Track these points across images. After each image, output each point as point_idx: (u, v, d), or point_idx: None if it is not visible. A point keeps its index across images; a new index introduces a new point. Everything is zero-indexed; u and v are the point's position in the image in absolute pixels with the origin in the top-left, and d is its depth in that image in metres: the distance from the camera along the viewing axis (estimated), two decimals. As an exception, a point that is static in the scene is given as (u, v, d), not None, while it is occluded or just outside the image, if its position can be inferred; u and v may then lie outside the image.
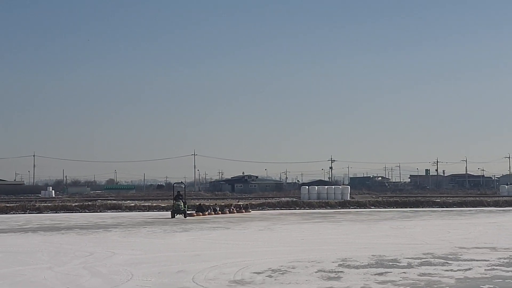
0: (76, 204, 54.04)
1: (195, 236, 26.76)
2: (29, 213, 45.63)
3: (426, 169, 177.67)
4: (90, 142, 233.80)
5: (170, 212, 42.05)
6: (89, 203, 56.98)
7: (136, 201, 63.10)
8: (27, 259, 19.02)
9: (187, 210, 42.02)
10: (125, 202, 60.26)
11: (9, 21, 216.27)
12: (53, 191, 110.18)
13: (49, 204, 56.60)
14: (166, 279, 14.75)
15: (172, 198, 44.88)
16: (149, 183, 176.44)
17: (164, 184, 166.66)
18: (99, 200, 64.74)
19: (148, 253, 20.17)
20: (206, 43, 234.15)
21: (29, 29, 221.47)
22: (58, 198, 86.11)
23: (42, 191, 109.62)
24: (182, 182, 53.26)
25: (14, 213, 48.50)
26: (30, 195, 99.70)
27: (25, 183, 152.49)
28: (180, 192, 43.32)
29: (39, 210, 48.73)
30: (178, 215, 40.76)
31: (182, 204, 41.19)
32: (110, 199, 69.95)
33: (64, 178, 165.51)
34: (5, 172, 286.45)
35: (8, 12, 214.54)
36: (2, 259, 19.08)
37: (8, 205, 54.34)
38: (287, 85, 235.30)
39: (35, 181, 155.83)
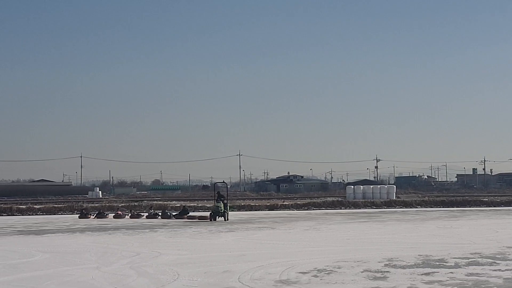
0: (123, 204, 54.49)
1: (241, 236, 26.82)
2: (76, 214, 46.16)
3: (473, 168, 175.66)
4: (136, 143, 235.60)
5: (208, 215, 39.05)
6: (135, 203, 57.51)
7: (182, 202, 63.35)
8: (74, 259, 19.25)
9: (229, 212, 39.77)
10: (171, 202, 60.59)
11: (42, 21, 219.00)
12: (100, 191, 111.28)
13: (96, 204, 57.21)
14: (212, 279, 14.80)
15: (214, 199, 41.91)
16: (194, 184, 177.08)
17: (209, 185, 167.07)
18: (145, 201, 65.23)
19: (194, 253, 20.27)
20: (254, 43, 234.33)
21: (62, 28, 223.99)
22: (105, 198, 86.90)
23: (89, 192, 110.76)
24: (224, 182, 49.93)
25: (62, 214, 49.26)
26: (77, 195, 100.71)
27: (72, 184, 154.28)
28: (221, 193, 40.78)
29: (86, 211, 49.25)
30: (219, 218, 37.88)
31: (223, 205, 38.42)
32: (156, 200, 70.41)
33: (111, 179, 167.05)
34: (53, 173, 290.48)
35: (46, 10, 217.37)
36: (50, 259, 19.34)
37: (56, 205, 55.02)
38: (332, 85, 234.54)
39: (82, 182, 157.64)
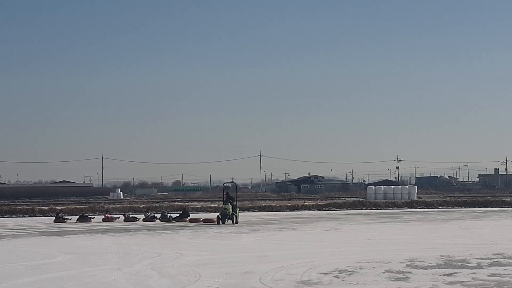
0: (144, 205, 54.65)
1: (262, 237, 26.82)
2: (98, 215, 46.29)
3: (495, 168, 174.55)
4: (157, 144, 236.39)
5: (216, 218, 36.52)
6: (156, 204, 57.67)
7: (203, 202, 63.53)
8: (96, 260, 19.33)
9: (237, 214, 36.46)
10: (192, 203, 60.76)
11: (61, 23, 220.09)
12: (121, 193, 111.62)
13: (118, 205, 57.51)
14: (233, 280, 14.81)
15: (222, 200, 39.09)
16: (215, 184, 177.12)
17: (230, 186, 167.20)
18: (166, 202, 65.40)
19: (215, 254, 20.30)
20: (273, 44, 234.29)
21: (81, 30, 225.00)
22: (126, 199, 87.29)
23: (110, 193, 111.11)
24: (232, 182, 46.57)
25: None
26: (99, 197, 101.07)
27: (94, 185, 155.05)
28: (230, 194, 38.43)
29: (106, 210, 49.47)
30: (228, 220, 35.61)
31: (231, 208, 35.85)
32: (177, 201, 70.62)
33: (132, 180, 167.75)
34: (75, 174, 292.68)
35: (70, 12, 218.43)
36: (72, 260, 19.44)
37: (77, 206, 55.32)
38: (353, 86, 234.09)
39: (103, 183, 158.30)
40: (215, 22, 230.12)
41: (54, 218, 40.89)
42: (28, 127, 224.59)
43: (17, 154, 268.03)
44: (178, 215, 40.42)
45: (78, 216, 41.43)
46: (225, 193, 38.44)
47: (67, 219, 40.22)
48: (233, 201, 36.71)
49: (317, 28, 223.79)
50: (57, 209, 52.03)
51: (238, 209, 37.47)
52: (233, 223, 35.20)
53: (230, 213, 35.66)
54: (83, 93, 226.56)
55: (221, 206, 38.38)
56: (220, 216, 35.96)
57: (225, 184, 46.56)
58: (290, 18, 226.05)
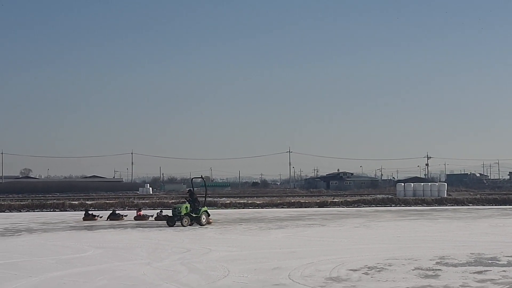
0: (173, 201, 54.80)
1: (291, 233, 26.81)
2: (128, 210, 46.46)
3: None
4: (186, 140, 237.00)
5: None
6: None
7: (232, 198, 63.55)
8: (126, 254, 19.47)
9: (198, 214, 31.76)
10: (221, 199, 60.84)
11: (90, 20, 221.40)
12: (150, 188, 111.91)
13: (147, 201, 57.74)
14: (262, 275, 14.84)
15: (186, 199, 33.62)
16: (244, 181, 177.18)
17: (259, 182, 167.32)
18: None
19: (244, 250, 20.34)
20: (304, 44, 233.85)
21: (108, 27, 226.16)
22: (155, 195, 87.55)
23: (140, 188, 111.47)
24: (201, 177, 39.38)
25: (113, 209, 49.71)
26: (128, 192, 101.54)
27: (123, 180, 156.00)
28: (193, 190, 33.92)
29: (138, 207, 49.74)
30: (185, 222, 31.12)
31: (185, 208, 31.41)
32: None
33: (161, 176, 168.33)
34: (105, 170, 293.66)
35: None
36: (102, 254, 19.59)
37: (107, 201, 55.64)
38: (382, 84, 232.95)
39: (133, 178, 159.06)
40: (252, 20, 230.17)
41: (83, 215, 38.32)
42: (59, 123, 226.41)
43: (48, 149, 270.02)
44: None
45: (109, 213, 38.71)
46: (187, 190, 35.37)
47: (97, 216, 37.83)
48: (194, 201, 32.40)
49: (350, 26, 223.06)
50: (87, 203, 52.38)
51: (206, 208, 32.91)
52: (182, 225, 30.91)
53: (182, 214, 31.27)
54: (114, 88, 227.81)
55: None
56: (170, 217, 32.17)
57: (193, 179, 38.69)
58: (326, 16, 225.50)
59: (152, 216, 37.22)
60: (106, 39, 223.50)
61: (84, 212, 39.31)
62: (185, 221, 31.10)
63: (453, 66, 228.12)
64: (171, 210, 33.17)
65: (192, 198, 32.51)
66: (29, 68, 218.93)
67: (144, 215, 37.69)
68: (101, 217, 37.75)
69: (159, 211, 39.45)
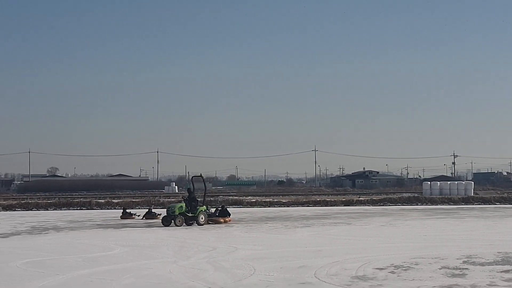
0: (198, 200, 54.88)
1: (316, 231, 26.78)
2: (153, 208, 46.63)
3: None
4: (211, 138, 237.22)
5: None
6: (211, 198, 57.88)
7: (257, 197, 63.58)
8: (152, 253, 19.55)
9: (199, 215, 31.57)
10: (246, 198, 60.90)
11: (110, 20, 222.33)
12: (176, 186, 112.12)
13: (173, 199, 57.88)
14: (288, 274, 14.83)
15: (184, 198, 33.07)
16: (270, 179, 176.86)
17: (285, 180, 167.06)
18: (220, 196, 65.63)
19: (270, 249, 20.35)
20: (331, 42, 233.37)
21: (130, 27, 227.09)
22: (181, 193, 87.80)
23: (165, 187, 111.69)
24: (200, 175, 36.93)
25: (139, 208, 49.92)
26: (154, 190, 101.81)
27: (149, 178, 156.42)
28: (192, 189, 33.18)
29: (163, 205, 49.93)
30: (180, 222, 30.87)
31: (178, 208, 31.08)
32: (232, 195, 70.84)
33: (187, 174, 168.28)
34: (131, 168, 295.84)
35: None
36: (128, 253, 19.69)
37: (133, 200, 55.95)
38: (407, 82, 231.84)
39: (158, 176, 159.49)
40: (276, 19, 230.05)
41: (120, 214, 38.25)
42: (86, 122, 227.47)
43: (74, 148, 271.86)
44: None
45: (144, 212, 38.51)
46: (187, 189, 34.74)
47: (134, 215, 37.75)
48: (192, 200, 32.01)
49: (380, 27, 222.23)
50: (113, 202, 52.64)
51: (204, 207, 32.57)
52: (177, 225, 30.62)
53: (176, 214, 30.92)
54: (139, 87, 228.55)
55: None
56: (165, 216, 31.63)
57: (193, 177, 36.97)
58: (357, 15, 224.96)
59: (136, 214, 37.79)
60: (132, 38, 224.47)
61: (121, 210, 39.32)
62: (179, 221, 30.84)
63: (480, 64, 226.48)
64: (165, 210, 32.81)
65: (190, 197, 32.17)
66: (57, 67, 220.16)
67: (129, 213, 38.12)
68: (138, 215, 37.72)
69: (148, 209, 39.06)
